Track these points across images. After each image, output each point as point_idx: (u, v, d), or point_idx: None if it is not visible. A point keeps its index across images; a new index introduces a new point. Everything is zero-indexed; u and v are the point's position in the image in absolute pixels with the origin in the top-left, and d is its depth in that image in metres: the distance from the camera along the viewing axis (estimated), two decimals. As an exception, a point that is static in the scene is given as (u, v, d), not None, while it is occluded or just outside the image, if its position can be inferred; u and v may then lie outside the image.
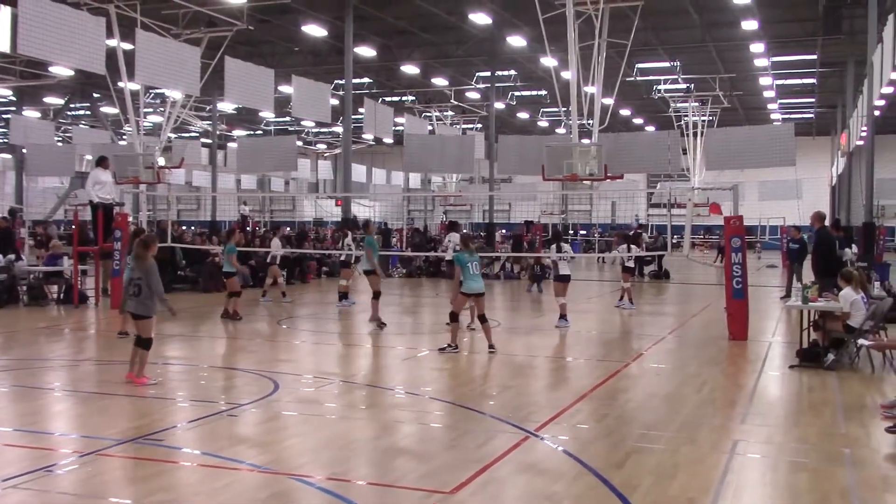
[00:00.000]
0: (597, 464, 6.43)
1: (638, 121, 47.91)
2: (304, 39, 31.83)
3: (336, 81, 32.42)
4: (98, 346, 13.04)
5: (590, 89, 19.48)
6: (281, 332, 14.42)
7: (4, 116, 45.92)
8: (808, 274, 15.96)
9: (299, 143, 44.61)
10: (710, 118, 38.09)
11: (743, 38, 30.35)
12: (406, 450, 7.04)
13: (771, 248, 43.90)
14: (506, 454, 6.72)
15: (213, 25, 24.23)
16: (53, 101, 41.35)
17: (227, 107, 41.87)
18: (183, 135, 46.43)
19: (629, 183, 37.11)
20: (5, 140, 46.25)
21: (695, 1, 28.03)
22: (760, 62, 33.96)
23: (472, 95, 41.31)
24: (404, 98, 42.02)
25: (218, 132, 42.72)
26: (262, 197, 52.94)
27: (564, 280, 14.81)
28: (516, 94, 41.85)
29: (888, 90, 21.98)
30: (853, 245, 22.68)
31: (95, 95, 38.97)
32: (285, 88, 30.60)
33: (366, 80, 38.88)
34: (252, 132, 53.99)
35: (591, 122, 20.05)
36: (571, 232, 43.15)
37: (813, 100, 43.44)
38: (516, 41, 30.06)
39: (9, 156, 44.38)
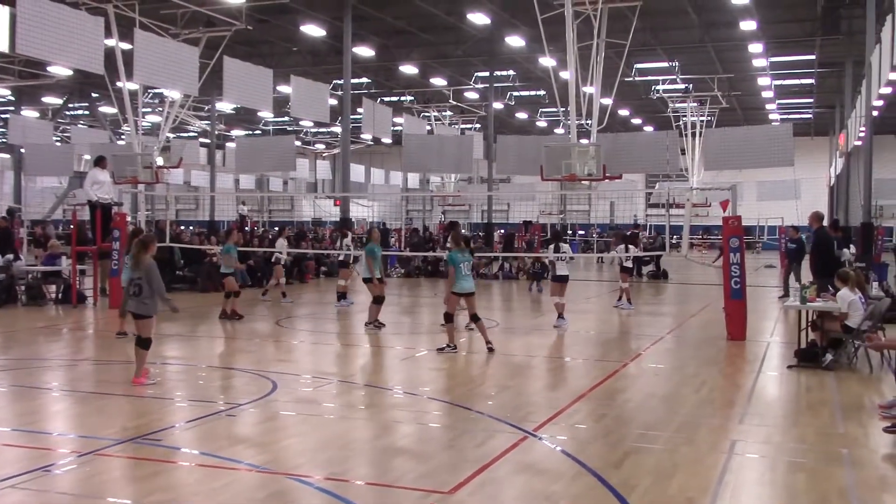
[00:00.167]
0: (595, 464, 6.43)
1: (636, 121, 47.93)
2: (303, 39, 31.83)
3: (335, 81, 32.39)
4: (96, 345, 13.03)
5: (588, 89, 19.46)
6: (279, 332, 14.40)
7: (3, 116, 45.88)
8: (806, 274, 15.99)
9: (298, 143, 44.76)
10: (709, 118, 38.16)
11: (741, 39, 30.35)
12: (404, 450, 7.04)
13: (770, 249, 43.91)
14: (504, 454, 6.72)
15: (211, 25, 24.21)
16: (52, 100, 41.32)
17: (225, 107, 41.84)
18: (181, 134, 46.42)
19: (628, 183, 37.09)
20: (4, 140, 46.17)
21: (693, 1, 28.06)
22: (759, 62, 34.00)
23: (471, 95, 41.31)
24: (403, 98, 42.02)
25: (216, 132, 42.74)
26: (261, 197, 52.91)
27: (562, 280, 14.79)
28: (515, 94, 41.87)
29: (886, 90, 22.00)
30: (851, 245, 22.71)
31: (94, 95, 38.99)
32: (284, 88, 30.60)
33: (364, 80, 38.88)
34: (251, 132, 53.94)
35: (589, 122, 20.05)
36: (570, 232, 43.12)
37: (811, 100, 43.48)
38: (515, 41, 30.05)
39: (7, 155, 44.30)
